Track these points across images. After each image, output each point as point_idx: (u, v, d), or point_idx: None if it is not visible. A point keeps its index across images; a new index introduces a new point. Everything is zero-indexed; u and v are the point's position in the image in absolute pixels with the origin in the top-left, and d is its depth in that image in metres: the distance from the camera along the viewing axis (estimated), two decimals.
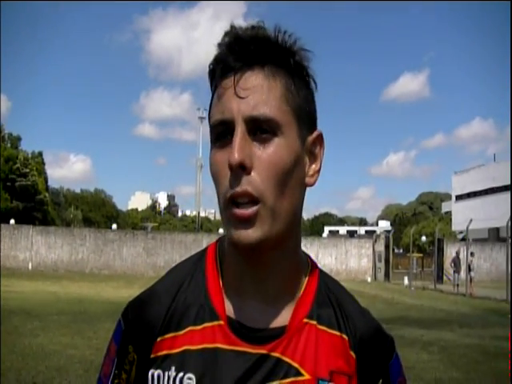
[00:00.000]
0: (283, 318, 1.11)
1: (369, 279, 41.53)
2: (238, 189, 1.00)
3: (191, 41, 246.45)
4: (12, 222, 43.17)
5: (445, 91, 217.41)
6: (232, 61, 1.04)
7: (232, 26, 1.07)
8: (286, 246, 1.10)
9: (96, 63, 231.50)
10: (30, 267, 38.87)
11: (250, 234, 1.01)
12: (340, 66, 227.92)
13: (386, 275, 41.86)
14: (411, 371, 9.68)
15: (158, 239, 40.86)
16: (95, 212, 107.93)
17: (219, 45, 1.07)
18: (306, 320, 1.13)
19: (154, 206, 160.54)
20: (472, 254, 33.39)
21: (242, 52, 1.04)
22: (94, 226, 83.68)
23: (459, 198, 64.58)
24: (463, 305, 23.41)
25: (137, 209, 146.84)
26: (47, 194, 74.87)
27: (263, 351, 1.08)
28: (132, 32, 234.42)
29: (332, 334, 1.13)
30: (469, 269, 31.50)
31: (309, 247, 42.08)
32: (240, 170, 0.99)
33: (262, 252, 1.05)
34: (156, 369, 1.10)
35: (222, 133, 1.04)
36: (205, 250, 1.23)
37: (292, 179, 1.06)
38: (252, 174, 1.01)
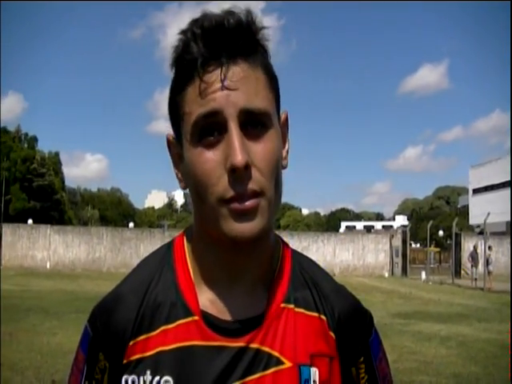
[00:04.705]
0: (260, 307, 1.08)
1: (386, 274, 41.32)
2: (241, 189, 0.97)
3: None
4: (30, 221, 43.50)
5: (464, 82, 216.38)
6: (217, 53, 0.99)
7: (205, 13, 1.01)
8: (267, 234, 1.08)
9: (110, 60, 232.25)
10: (47, 266, 39.06)
11: (254, 226, 0.98)
12: (357, 58, 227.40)
13: (404, 270, 41.67)
14: (429, 366, 9.69)
15: None
16: (112, 211, 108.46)
17: (191, 33, 1.00)
18: (283, 305, 1.10)
19: (170, 204, 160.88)
20: (490, 247, 33.18)
21: (228, 44, 0.99)
22: (111, 224, 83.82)
23: (476, 191, 64.08)
24: (481, 299, 23.27)
25: (153, 207, 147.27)
26: (64, 194, 75.41)
27: (241, 344, 1.05)
28: (147, 28, 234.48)
29: (310, 315, 1.11)
30: (487, 263, 31.31)
31: (326, 243, 42.04)
32: (244, 170, 0.96)
33: (255, 243, 1.02)
34: (130, 374, 1.05)
35: (207, 128, 0.99)
36: (171, 244, 1.18)
37: (280, 168, 1.05)
38: (252, 171, 0.98)
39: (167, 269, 1.13)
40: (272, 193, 1.01)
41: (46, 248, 40.23)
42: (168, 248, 1.18)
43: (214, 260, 1.08)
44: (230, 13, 1.01)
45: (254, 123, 1.00)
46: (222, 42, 0.99)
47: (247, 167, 0.96)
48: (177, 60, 1.03)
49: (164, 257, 1.16)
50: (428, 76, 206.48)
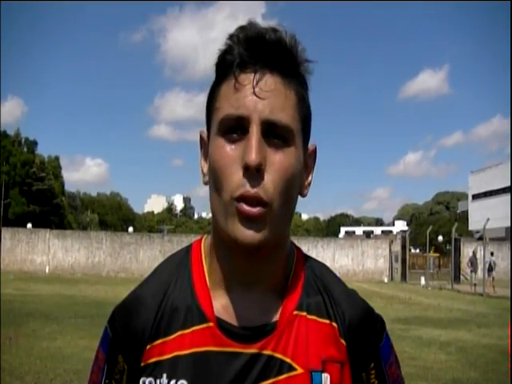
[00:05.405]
0: (273, 313, 1.11)
1: (385, 280, 41.33)
2: (251, 190, 1.00)
3: (207, 41, 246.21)
4: (29, 225, 43.50)
5: (465, 88, 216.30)
6: (254, 59, 1.04)
7: (251, 23, 1.07)
8: (280, 246, 1.12)
9: (111, 65, 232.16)
10: (47, 271, 39.05)
11: (255, 236, 1.01)
12: (357, 63, 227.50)
13: (403, 275, 41.71)
14: (429, 371, 9.68)
15: (175, 242, 40.79)
16: (111, 215, 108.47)
17: (236, 38, 1.06)
18: (295, 312, 1.12)
19: (170, 209, 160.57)
20: (492, 253, 33.29)
21: (265, 54, 1.04)
22: (111, 229, 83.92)
23: (476, 197, 64.14)
24: (481, 304, 23.28)
25: (153, 212, 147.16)
26: (64, 198, 75.44)
27: (254, 350, 1.08)
28: (148, 32, 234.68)
29: (322, 322, 1.13)
30: (490, 268, 31.37)
31: (325, 248, 42.06)
32: (255, 171, 1.00)
33: (259, 252, 1.05)
34: (147, 377, 1.09)
35: (232, 127, 1.04)
36: (189, 248, 1.22)
37: (295, 188, 1.08)
38: (265, 177, 1.01)
39: (184, 273, 1.17)
40: (279, 206, 1.03)
41: (46, 252, 40.23)
42: (186, 252, 1.22)
43: (230, 267, 1.11)
44: (273, 29, 1.07)
45: (276, 135, 1.04)
46: (261, 50, 1.05)
47: (259, 170, 1.00)
48: (219, 59, 1.09)
49: (182, 261, 1.19)
50: (428, 81, 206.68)
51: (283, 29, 1.07)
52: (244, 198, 1.00)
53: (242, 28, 1.07)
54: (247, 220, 1.01)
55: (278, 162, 1.03)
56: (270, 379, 1.07)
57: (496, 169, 60.76)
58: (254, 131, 1.01)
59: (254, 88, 1.03)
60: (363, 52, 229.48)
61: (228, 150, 1.03)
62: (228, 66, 1.06)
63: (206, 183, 1.13)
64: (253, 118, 1.02)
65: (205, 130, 1.16)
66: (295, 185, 1.08)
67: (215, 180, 1.05)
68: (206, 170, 1.14)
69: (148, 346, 1.10)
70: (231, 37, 1.07)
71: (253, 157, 0.99)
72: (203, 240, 1.22)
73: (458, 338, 13.80)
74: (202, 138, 1.17)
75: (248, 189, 1.00)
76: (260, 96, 1.02)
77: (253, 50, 1.04)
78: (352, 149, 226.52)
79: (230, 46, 1.07)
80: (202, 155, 1.17)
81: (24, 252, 39.94)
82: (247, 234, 1.01)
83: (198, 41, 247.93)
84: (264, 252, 1.06)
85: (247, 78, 1.04)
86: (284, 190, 1.03)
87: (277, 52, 1.05)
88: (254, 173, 1.00)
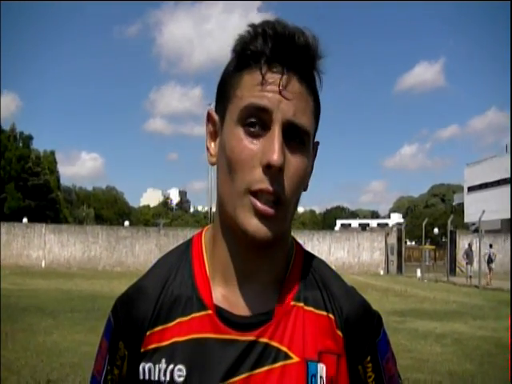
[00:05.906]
0: (271, 303, 1.13)
1: (381, 272, 41.45)
2: (270, 187, 1.02)
3: (203, 34, 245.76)
4: (25, 220, 43.48)
5: (460, 80, 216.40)
6: (282, 59, 1.04)
7: (278, 20, 1.06)
8: (283, 239, 1.15)
9: (106, 59, 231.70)
10: (43, 265, 39.07)
11: (267, 231, 1.03)
12: (354, 56, 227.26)
13: (399, 268, 41.79)
14: (425, 363, 9.73)
15: (171, 235, 40.86)
16: (107, 209, 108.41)
17: (262, 30, 1.05)
18: (293, 303, 1.14)
19: (165, 203, 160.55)
20: (491, 245, 33.40)
21: (294, 57, 1.05)
22: (107, 223, 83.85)
23: (471, 189, 64.31)
24: (476, 297, 23.35)
25: (149, 205, 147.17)
26: (59, 193, 75.28)
27: (251, 338, 1.10)
28: (143, 26, 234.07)
29: (319, 314, 1.14)
30: (490, 260, 31.45)
31: (321, 241, 42.13)
32: (277, 171, 1.01)
33: (266, 246, 1.07)
34: (147, 362, 1.11)
35: (252, 118, 1.04)
36: (190, 241, 1.24)
37: (302, 186, 1.11)
38: (283, 177, 1.03)
39: (185, 264, 1.19)
40: (292, 205, 1.07)
41: (41, 247, 40.23)
42: (187, 245, 1.23)
43: (232, 258, 1.13)
44: (301, 31, 1.06)
45: (294, 137, 1.05)
46: (290, 52, 1.05)
47: (281, 169, 1.01)
48: (241, 47, 1.08)
49: (183, 253, 1.22)
50: (424, 74, 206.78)
51: (308, 31, 1.06)
52: (262, 194, 1.02)
53: (268, 22, 1.06)
54: (261, 216, 1.02)
55: (295, 164, 1.05)
56: (265, 366, 1.09)
57: (491, 161, 60.92)
58: (277, 130, 1.02)
59: (280, 88, 1.03)
60: (359, 45, 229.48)
61: (248, 144, 1.04)
62: (252, 57, 1.06)
63: (213, 164, 1.14)
64: (276, 116, 1.02)
65: (213, 107, 1.16)
66: (303, 184, 1.10)
67: (231, 170, 1.06)
68: (213, 150, 1.15)
69: (148, 333, 1.13)
70: (255, 27, 1.06)
71: (276, 157, 1.00)
72: (204, 233, 1.24)
73: (454, 330, 13.86)
74: (210, 116, 1.16)
75: (268, 186, 1.02)
76: (286, 96, 1.03)
77: (282, 50, 1.04)
78: (348, 141, 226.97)
79: (255, 35, 1.06)
80: (208, 134, 1.17)
81: (20, 247, 39.94)
82: (260, 229, 1.03)
83: (194, 34, 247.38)
84: (269, 245, 1.07)
85: (273, 77, 1.04)
86: (296, 190, 1.07)
87: (305, 57, 1.06)
88: (275, 172, 1.01)
